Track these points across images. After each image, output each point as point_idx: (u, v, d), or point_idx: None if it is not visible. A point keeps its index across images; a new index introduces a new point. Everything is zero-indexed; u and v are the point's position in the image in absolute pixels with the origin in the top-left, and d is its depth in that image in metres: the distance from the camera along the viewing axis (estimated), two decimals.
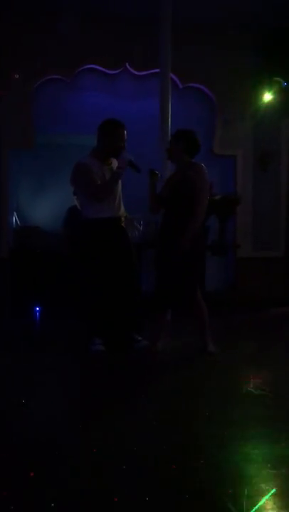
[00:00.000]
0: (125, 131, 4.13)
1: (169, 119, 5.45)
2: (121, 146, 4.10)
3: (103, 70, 6.50)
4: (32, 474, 2.05)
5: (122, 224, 4.28)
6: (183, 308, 3.98)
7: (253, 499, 1.84)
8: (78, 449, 2.33)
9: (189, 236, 3.75)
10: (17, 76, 6.18)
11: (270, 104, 6.80)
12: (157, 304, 4.02)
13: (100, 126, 4.16)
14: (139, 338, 4.24)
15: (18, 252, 6.31)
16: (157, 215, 4.24)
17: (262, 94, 6.78)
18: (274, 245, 7.04)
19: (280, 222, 7.08)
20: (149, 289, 5.13)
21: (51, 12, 5.93)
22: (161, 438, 2.46)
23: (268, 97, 6.78)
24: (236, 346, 4.37)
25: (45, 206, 6.77)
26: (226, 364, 3.82)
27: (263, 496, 1.88)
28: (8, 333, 5.10)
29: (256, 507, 1.79)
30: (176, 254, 3.76)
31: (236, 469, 2.12)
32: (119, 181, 4.21)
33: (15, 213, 6.67)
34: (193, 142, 3.94)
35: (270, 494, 1.87)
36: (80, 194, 4.36)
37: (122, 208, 4.26)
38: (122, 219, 4.28)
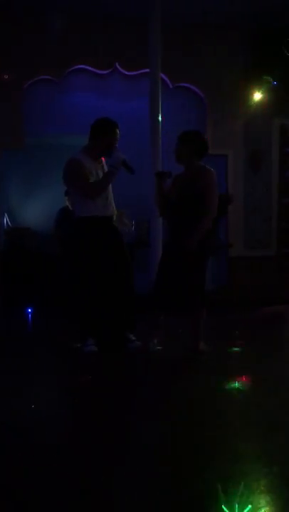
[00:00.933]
0: (118, 130, 4.13)
1: (160, 119, 5.45)
2: (113, 145, 4.10)
3: (93, 70, 6.50)
4: (28, 477, 2.04)
5: (114, 223, 4.27)
6: (188, 308, 3.96)
7: (246, 497, 1.84)
8: (72, 450, 2.33)
9: (197, 237, 3.74)
10: (7, 76, 6.17)
11: (260, 103, 6.83)
12: (159, 304, 4.00)
13: (93, 124, 4.15)
14: (133, 338, 4.23)
15: (9, 253, 6.29)
16: (165, 216, 4.20)
17: (252, 94, 6.81)
18: (266, 244, 7.06)
19: (271, 220, 7.11)
20: (142, 288, 5.14)
21: (41, 12, 5.92)
22: (155, 438, 2.46)
23: (258, 96, 6.80)
24: (228, 345, 4.37)
25: (36, 207, 6.76)
26: (217, 363, 3.83)
27: (255, 493, 1.89)
28: (0, 334, 5.08)
29: (249, 506, 1.80)
30: (184, 255, 3.76)
31: (230, 467, 2.12)
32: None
33: (6, 214, 6.65)
34: (202, 144, 3.92)
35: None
36: (72, 192, 4.34)
37: (113, 207, 4.25)
38: (114, 217, 4.27)
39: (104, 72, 6.53)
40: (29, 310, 5.78)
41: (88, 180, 4.04)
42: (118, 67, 6.52)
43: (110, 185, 4.18)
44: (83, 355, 4.01)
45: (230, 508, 1.78)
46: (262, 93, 6.77)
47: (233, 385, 3.22)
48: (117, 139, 4.13)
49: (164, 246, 4.16)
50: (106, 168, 4.20)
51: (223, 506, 1.78)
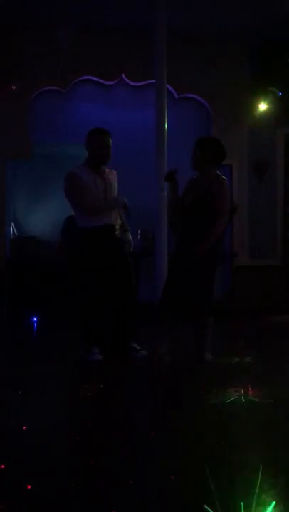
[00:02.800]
0: (105, 138, 4.13)
1: (165, 129, 5.49)
2: (100, 153, 4.12)
3: (99, 80, 6.56)
4: (29, 487, 2.04)
5: (117, 232, 4.26)
6: (194, 316, 3.96)
7: (252, 508, 1.84)
8: (76, 460, 2.33)
9: (206, 245, 3.74)
10: (14, 87, 6.23)
11: (265, 113, 6.86)
12: (166, 308, 4.00)
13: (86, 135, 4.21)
14: (138, 348, 4.23)
15: (15, 263, 6.31)
16: (176, 223, 4.21)
17: (257, 104, 6.84)
18: (271, 254, 7.06)
19: (276, 230, 7.11)
20: (147, 297, 5.14)
21: (48, 24, 5.99)
22: (159, 448, 2.45)
23: (263, 106, 6.83)
24: (233, 355, 4.36)
25: (42, 216, 6.80)
26: (223, 373, 3.82)
27: (261, 505, 1.88)
28: (6, 343, 5.09)
29: None
30: (194, 262, 3.77)
31: (235, 478, 2.12)
32: (115, 189, 4.24)
33: (12, 223, 6.68)
34: (219, 151, 3.92)
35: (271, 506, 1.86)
36: (71, 205, 4.39)
37: (117, 217, 4.25)
38: (117, 227, 4.27)
39: (110, 82, 6.58)
40: (35, 319, 5.79)
41: (83, 194, 4.07)
42: (124, 77, 6.57)
43: (108, 198, 4.17)
44: (88, 364, 4.02)
45: None
46: (266, 103, 6.80)
47: (238, 396, 3.21)
48: (103, 146, 4.11)
49: (174, 253, 4.15)
50: (107, 178, 4.20)
51: None
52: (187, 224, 3.92)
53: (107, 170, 4.24)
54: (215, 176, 3.90)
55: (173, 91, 6.49)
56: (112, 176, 4.27)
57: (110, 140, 4.15)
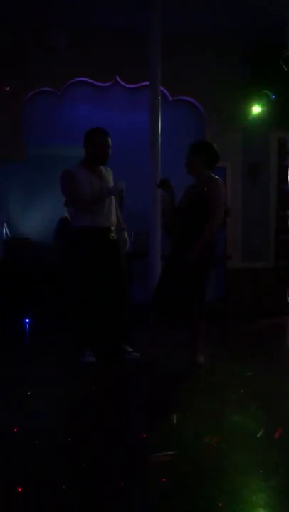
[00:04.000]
0: (107, 139, 4.15)
1: (159, 131, 5.49)
2: (102, 153, 4.14)
3: (94, 82, 6.55)
4: (20, 489, 2.03)
5: (112, 234, 4.25)
6: (187, 318, 3.97)
7: (245, 510, 1.84)
8: (68, 462, 2.32)
9: (199, 248, 3.75)
10: (8, 88, 6.21)
11: (259, 116, 6.88)
12: (158, 310, 4.00)
13: (84, 136, 4.21)
14: (130, 350, 4.23)
15: (8, 263, 6.29)
16: (172, 228, 4.21)
17: (251, 107, 6.87)
18: (264, 256, 7.08)
19: (269, 233, 7.13)
20: (140, 299, 5.14)
21: (42, 25, 5.98)
22: (150, 450, 2.45)
23: (256, 109, 6.86)
24: (226, 358, 4.37)
25: (36, 217, 6.78)
26: (215, 375, 3.82)
27: (254, 507, 1.88)
28: None
29: None
30: (187, 265, 3.77)
31: (227, 480, 2.12)
32: (99, 191, 4.22)
33: (5, 224, 6.66)
34: (213, 155, 3.95)
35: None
36: (67, 202, 4.39)
37: (113, 219, 4.25)
38: (112, 228, 4.27)
39: (105, 84, 6.58)
40: (27, 320, 5.77)
41: (78, 189, 4.07)
42: (118, 79, 6.57)
43: (109, 199, 4.18)
44: (80, 366, 4.01)
45: None
46: (260, 106, 6.83)
47: (231, 398, 3.22)
48: (105, 147, 4.14)
49: (169, 257, 4.15)
50: (104, 177, 4.20)
51: None
52: (185, 229, 3.93)
53: (103, 169, 4.24)
54: (209, 177, 3.92)
55: (167, 93, 6.49)
56: (109, 174, 4.28)
57: (110, 140, 4.18)
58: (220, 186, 3.90)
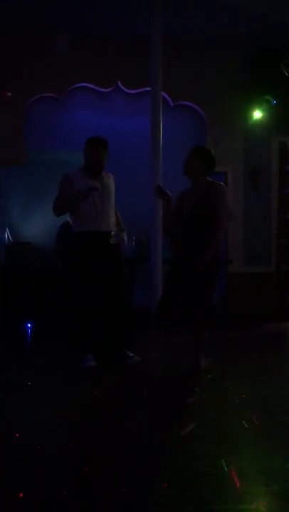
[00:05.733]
0: (96, 151, 4.15)
1: (161, 137, 5.51)
2: (91, 165, 4.16)
3: (95, 88, 6.58)
4: (21, 495, 2.03)
5: (110, 239, 4.25)
6: (196, 324, 3.98)
7: None
8: (69, 467, 2.32)
9: (211, 253, 3.80)
10: (10, 93, 6.24)
11: (259, 121, 6.90)
12: (166, 318, 4.00)
13: None
14: (131, 354, 4.24)
15: (10, 268, 6.30)
16: (173, 232, 4.23)
17: (252, 112, 6.89)
18: (265, 260, 7.09)
19: (270, 237, 7.14)
20: (142, 303, 5.15)
21: (44, 31, 6.01)
22: (152, 456, 2.45)
23: (257, 114, 6.88)
24: (228, 362, 4.37)
25: (37, 222, 6.79)
26: (216, 380, 3.82)
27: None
28: (0, 350, 5.07)
29: None
30: (200, 271, 3.79)
31: (229, 485, 2.12)
32: (112, 193, 4.24)
33: (7, 229, 6.68)
34: (214, 162, 3.99)
35: None
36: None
37: (110, 223, 4.24)
38: (112, 233, 4.27)
39: (106, 90, 6.61)
40: (29, 325, 5.78)
41: (62, 196, 4.14)
42: (120, 85, 6.60)
43: (105, 202, 4.18)
44: (81, 370, 4.01)
45: None
46: (261, 111, 6.85)
47: (233, 402, 3.22)
48: (95, 158, 4.14)
49: (174, 260, 4.12)
50: (104, 182, 4.21)
51: None
52: (188, 234, 3.93)
53: (104, 174, 4.26)
54: (209, 182, 3.93)
55: (168, 98, 6.52)
56: (109, 179, 4.29)
57: (105, 150, 4.18)
58: (226, 191, 3.97)
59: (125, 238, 4.55)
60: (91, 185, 4.13)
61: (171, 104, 6.62)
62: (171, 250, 4.29)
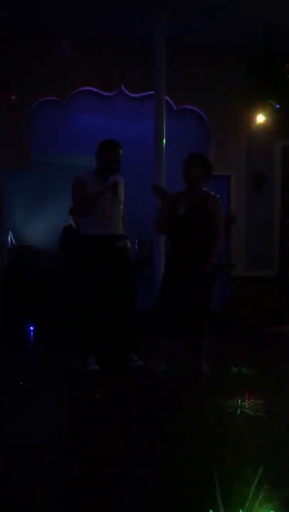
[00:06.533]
0: (115, 151, 4.18)
1: (164, 140, 5.52)
2: (110, 166, 4.17)
3: (99, 91, 6.60)
4: (21, 498, 2.03)
5: (118, 243, 4.25)
6: (195, 329, 4.00)
7: None
8: (72, 470, 2.32)
9: (213, 260, 3.91)
10: (14, 97, 6.26)
11: (263, 125, 6.91)
12: (164, 323, 4.01)
13: (97, 147, 4.26)
14: (135, 358, 4.23)
15: (13, 271, 6.31)
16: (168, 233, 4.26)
17: (255, 116, 6.90)
18: (268, 264, 7.08)
19: (273, 241, 7.14)
20: (145, 306, 5.13)
21: (48, 35, 6.03)
22: (153, 459, 2.45)
23: (261, 118, 6.89)
24: (229, 366, 4.36)
25: (41, 225, 6.80)
26: (220, 384, 3.82)
27: None
28: (2, 352, 5.07)
29: None
30: (200, 277, 3.85)
31: (232, 490, 2.11)
32: (121, 197, 4.24)
33: (10, 232, 6.69)
34: (211, 169, 4.08)
35: None
36: (72, 209, 4.45)
37: (118, 227, 4.24)
38: (119, 236, 4.26)
39: (110, 94, 6.62)
40: (32, 328, 5.78)
41: (79, 197, 4.15)
42: (123, 89, 6.62)
43: (115, 206, 4.19)
44: (84, 374, 4.01)
45: None
46: (264, 116, 6.85)
47: (235, 407, 3.21)
48: (112, 160, 4.17)
49: (170, 264, 4.16)
50: (116, 186, 4.20)
51: None
52: (185, 236, 3.95)
53: (116, 177, 4.27)
54: (208, 192, 4.03)
55: (172, 102, 6.53)
56: (120, 183, 4.28)
57: (120, 152, 4.20)
58: (220, 203, 4.03)
59: (128, 244, 4.56)
60: (102, 188, 4.13)
61: (175, 108, 6.63)
62: (169, 253, 4.28)
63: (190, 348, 4.07)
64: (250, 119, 6.91)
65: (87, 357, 4.13)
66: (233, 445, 2.64)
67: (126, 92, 6.64)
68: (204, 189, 4.04)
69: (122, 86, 6.60)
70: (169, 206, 4.03)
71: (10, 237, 6.65)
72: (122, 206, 4.27)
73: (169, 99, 6.21)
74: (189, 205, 3.95)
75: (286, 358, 5.11)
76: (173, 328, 4.07)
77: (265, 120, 6.88)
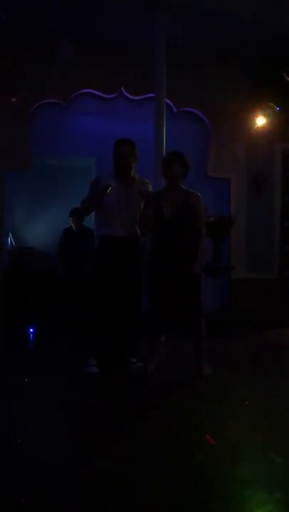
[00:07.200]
0: (122, 148, 4.19)
1: (164, 143, 5.53)
2: (117, 163, 4.17)
3: (99, 94, 6.61)
4: (23, 501, 2.03)
5: (131, 244, 4.20)
6: (189, 329, 4.01)
7: None
8: (71, 473, 2.32)
9: (202, 260, 3.96)
10: (14, 99, 6.27)
11: (263, 128, 6.92)
12: (160, 326, 4.02)
13: None
14: (134, 360, 4.23)
15: (13, 273, 6.32)
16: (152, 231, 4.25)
17: (255, 118, 6.91)
18: (268, 267, 7.08)
19: (273, 244, 7.14)
20: (146, 308, 5.13)
21: (48, 37, 6.05)
22: (155, 460, 2.45)
23: (261, 121, 6.90)
24: (231, 368, 4.36)
25: (41, 227, 6.82)
26: (219, 386, 3.82)
27: None
28: (3, 354, 5.07)
29: None
30: (192, 277, 3.89)
31: (231, 493, 2.11)
32: (137, 199, 4.18)
33: (10, 234, 6.70)
34: (188, 167, 4.12)
35: None
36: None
37: (131, 229, 4.19)
38: (132, 238, 4.24)
39: (110, 96, 6.63)
40: (32, 330, 5.78)
41: (86, 195, 4.19)
42: (123, 91, 6.63)
43: (129, 207, 4.16)
44: (84, 376, 4.01)
45: None
46: (265, 118, 6.86)
47: (235, 409, 3.21)
48: (121, 156, 4.18)
49: (156, 265, 4.08)
50: (134, 188, 4.17)
51: None
52: (171, 237, 3.95)
53: (138, 179, 4.25)
54: (186, 190, 4.07)
55: (172, 105, 6.54)
56: (142, 185, 4.21)
57: (130, 149, 4.21)
58: (201, 201, 4.06)
59: (141, 247, 4.56)
60: (118, 188, 4.11)
61: (175, 110, 6.64)
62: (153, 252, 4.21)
63: (190, 350, 4.07)
64: (251, 121, 6.92)
65: (88, 359, 4.13)
66: (231, 446, 2.64)
67: (126, 94, 6.65)
68: (186, 188, 4.08)
69: (123, 88, 6.60)
70: (153, 206, 4.04)
71: (10, 239, 6.66)
72: (139, 208, 4.16)
73: (169, 101, 6.22)
74: (174, 207, 3.98)
75: (286, 360, 5.11)
76: (170, 329, 4.07)
77: (266, 122, 6.88)
